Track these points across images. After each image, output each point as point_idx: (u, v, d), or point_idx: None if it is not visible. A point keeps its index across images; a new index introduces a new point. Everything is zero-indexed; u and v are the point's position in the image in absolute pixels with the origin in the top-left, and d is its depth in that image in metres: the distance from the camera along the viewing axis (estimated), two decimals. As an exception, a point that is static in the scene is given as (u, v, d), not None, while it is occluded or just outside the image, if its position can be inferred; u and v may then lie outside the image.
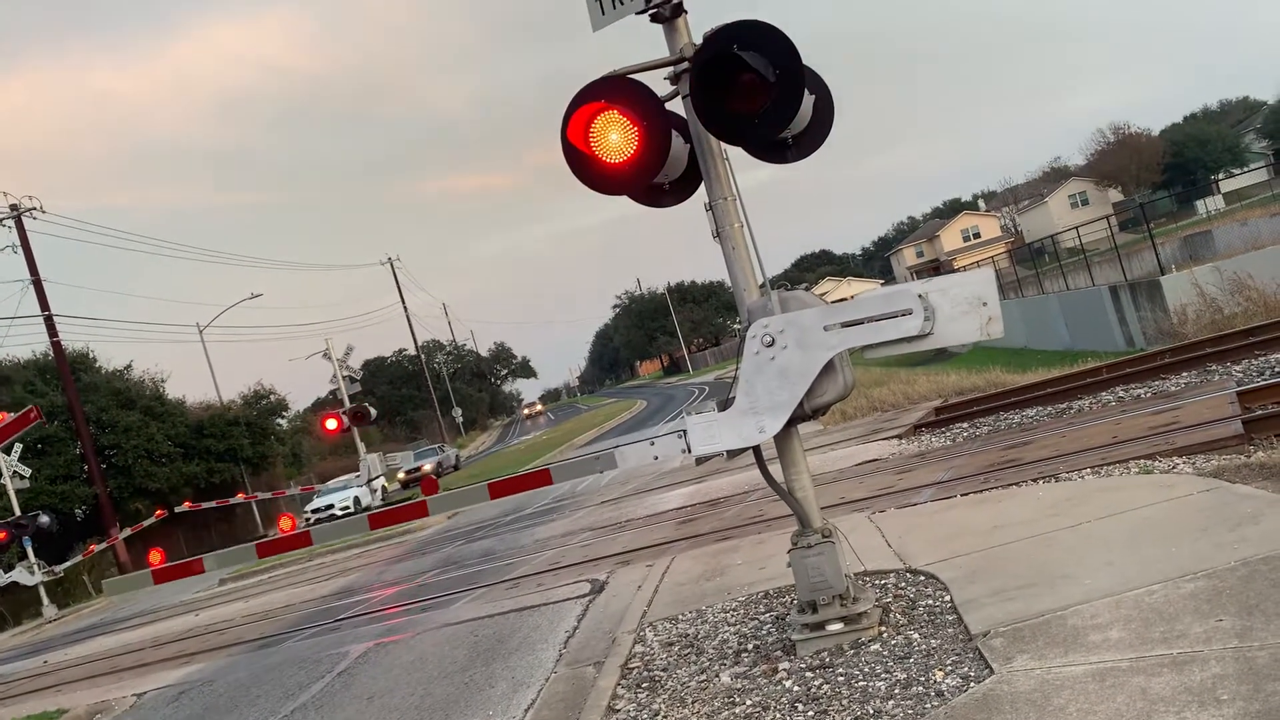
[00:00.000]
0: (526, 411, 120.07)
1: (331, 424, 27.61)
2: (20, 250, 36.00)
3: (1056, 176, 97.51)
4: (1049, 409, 14.47)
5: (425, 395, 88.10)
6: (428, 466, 48.16)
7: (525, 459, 40.71)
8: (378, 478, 31.18)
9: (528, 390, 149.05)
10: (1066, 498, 8.38)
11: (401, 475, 46.41)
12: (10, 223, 35.89)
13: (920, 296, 5.62)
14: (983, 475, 10.63)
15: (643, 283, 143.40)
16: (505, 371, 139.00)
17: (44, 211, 36.71)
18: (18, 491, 29.50)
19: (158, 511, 30.92)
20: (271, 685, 10.21)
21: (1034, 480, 9.53)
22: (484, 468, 46.02)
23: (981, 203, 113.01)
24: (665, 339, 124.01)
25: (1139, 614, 5.14)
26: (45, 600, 28.57)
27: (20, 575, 27.73)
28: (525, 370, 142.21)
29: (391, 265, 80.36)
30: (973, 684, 4.93)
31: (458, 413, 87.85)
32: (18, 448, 30.28)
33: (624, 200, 6.52)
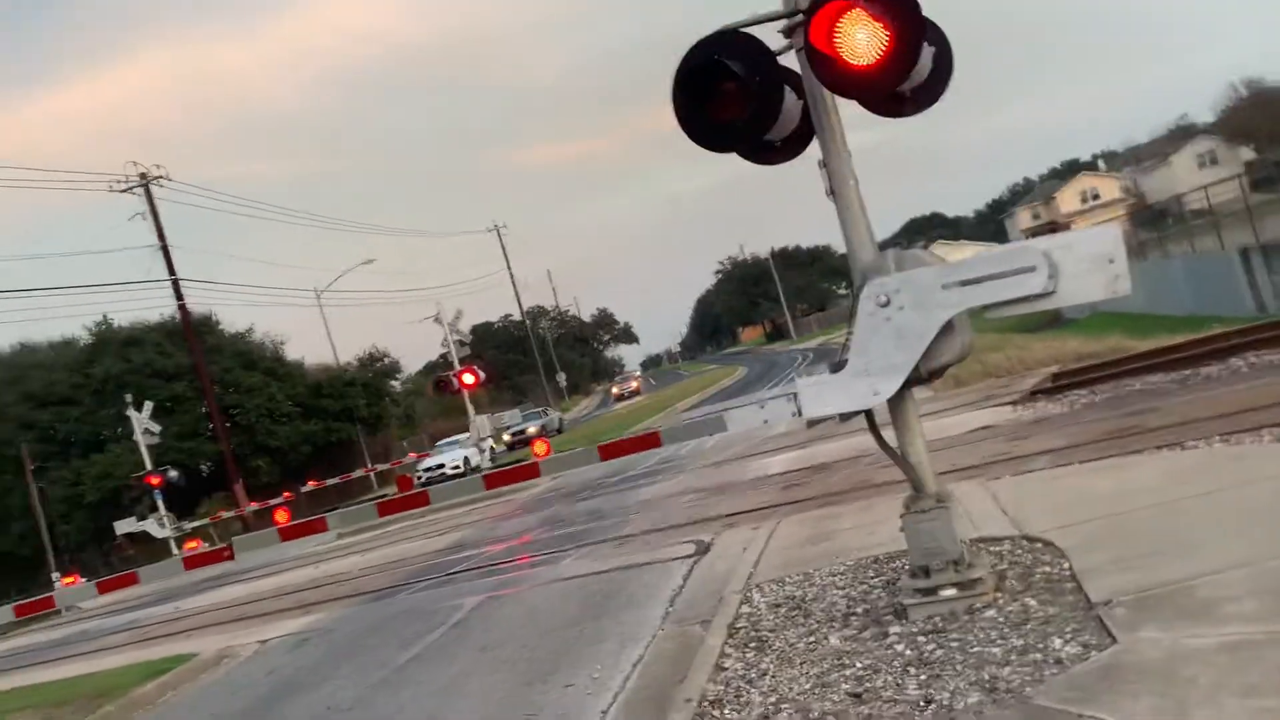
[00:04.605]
0: (616, 390, 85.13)
1: (469, 378, 28.30)
2: (149, 217, 37.63)
3: (1182, 135, 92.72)
4: (1173, 376, 13.88)
5: (530, 360, 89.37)
6: (533, 429, 48.90)
7: (627, 423, 40.99)
8: (486, 438, 31.79)
9: (629, 356, 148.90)
10: (1193, 466, 8.05)
11: (507, 437, 47.28)
12: (140, 191, 37.51)
13: (1044, 253, 5.44)
14: (1103, 442, 10.29)
15: (746, 248, 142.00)
16: (608, 337, 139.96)
17: (170, 180, 38.29)
18: (148, 447, 31.05)
19: (285, 494, 32.35)
20: (389, 635, 10.56)
21: (1158, 448, 9.18)
22: (588, 431, 46.53)
23: (1101, 163, 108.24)
24: (768, 305, 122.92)
25: (1276, 586, 4.91)
26: (175, 551, 30.04)
27: (151, 526, 29.19)
28: (627, 336, 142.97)
29: (498, 232, 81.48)
30: (1094, 652, 4.80)
31: (561, 377, 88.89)
32: (148, 405, 31.82)
33: (727, 163, 6.52)
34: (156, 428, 31.85)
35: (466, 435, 34.71)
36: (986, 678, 4.93)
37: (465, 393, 29.27)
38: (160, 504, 29.55)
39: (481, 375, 28.37)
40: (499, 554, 14.69)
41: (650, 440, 8.24)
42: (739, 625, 7.06)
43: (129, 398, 32.72)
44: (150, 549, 32.20)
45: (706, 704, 5.74)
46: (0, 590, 39.64)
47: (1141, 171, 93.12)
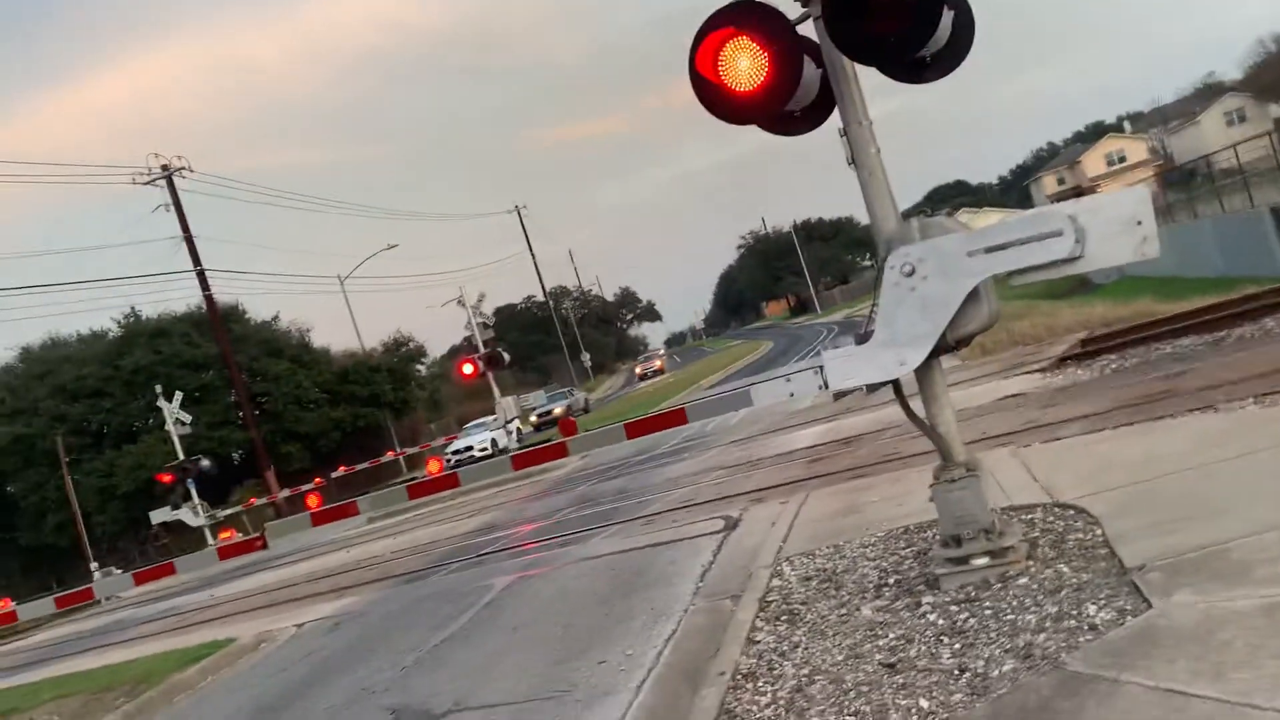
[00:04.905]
0: (640, 369, 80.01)
1: (468, 369, 28.30)
2: (173, 208, 37.87)
3: (1210, 93, 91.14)
4: (1205, 338, 13.72)
5: (554, 340, 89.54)
6: (559, 409, 49.09)
7: (653, 401, 41.01)
8: (513, 420, 31.93)
9: (653, 334, 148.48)
10: (1226, 429, 7.96)
11: (534, 418, 47.48)
12: (162, 183, 37.74)
13: (1070, 217, 5.37)
14: (1134, 407, 10.19)
15: (767, 222, 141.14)
16: (631, 316, 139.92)
17: (192, 171, 38.50)
18: (181, 437, 31.39)
19: (316, 480, 32.66)
20: (422, 616, 10.65)
21: (1190, 411, 9.07)
22: (614, 410, 46.61)
23: (1127, 124, 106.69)
24: (792, 279, 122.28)
25: (1313, 547, 4.85)
26: (210, 539, 30.40)
27: (185, 515, 29.55)
28: (650, 314, 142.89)
29: (519, 213, 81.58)
30: (1129, 618, 4.76)
31: (586, 357, 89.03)
32: (178, 396, 32.16)
33: (746, 139, 6.58)
34: (188, 418, 32.16)
35: (493, 417, 34.90)
36: (1021, 645, 4.91)
37: (490, 375, 29.32)
38: (194, 492, 29.88)
39: (481, 365, 28.24)
40: (528, 534, 14.76)
41: (676, 417, 8.23)
42: (770, 599, 7.06)
43: (159, 388, 33.05)
44: (185, 538, 32.62)
45: (739, 677, 5.76)
46: (39, 581, 40.39)
47: (1168, 132, 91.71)
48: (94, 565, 32.50)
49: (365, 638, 10.54)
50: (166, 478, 29.48)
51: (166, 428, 31.80)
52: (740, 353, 66.92)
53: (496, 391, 30.90)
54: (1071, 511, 6.77)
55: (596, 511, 14.85)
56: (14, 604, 12.67)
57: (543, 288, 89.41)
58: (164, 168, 37.72)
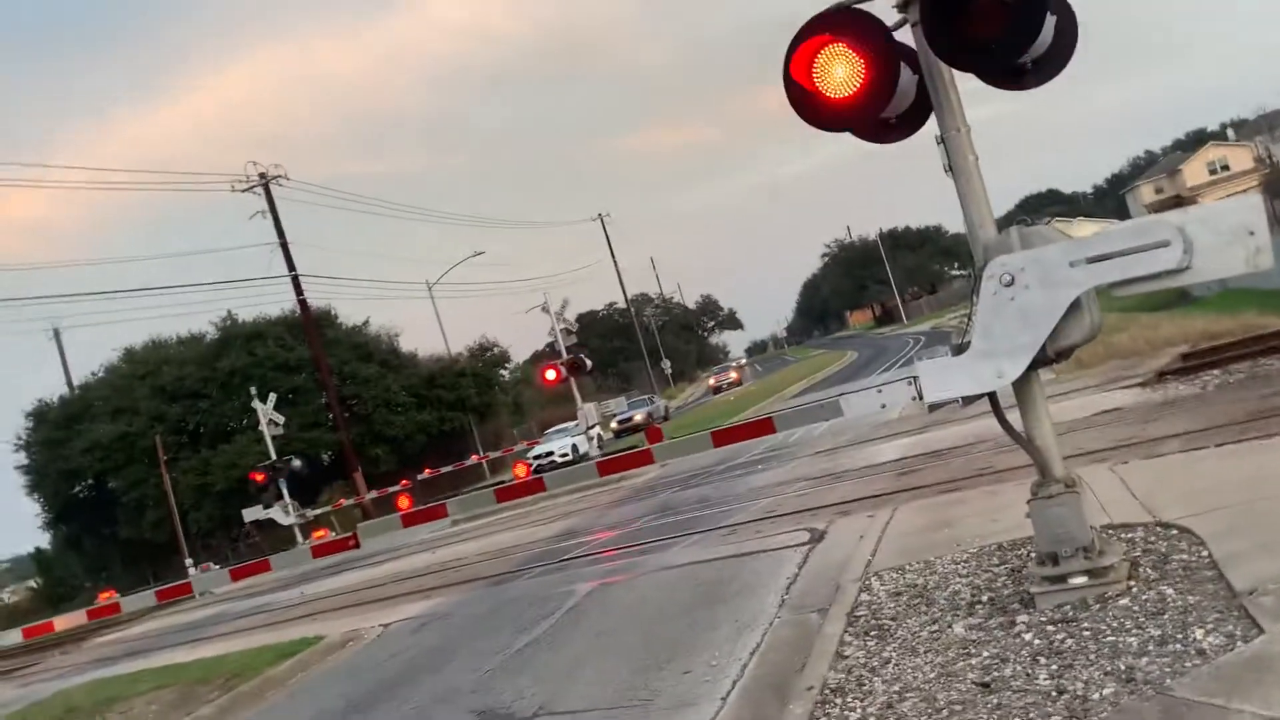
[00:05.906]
0: (713, 381, 77.84)
1: (550, 374, 28.56)
2: (269, 215, 38.98)
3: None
4: (1316, 354, 13.16)
5: (635, 347, 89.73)
6: (639, 416, 49.14)
7: (733, 410, 40.83)
8: (594, 426, 32.07)
9: (734, 342, 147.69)
10: (1342, 449, 7.61)
11: (615, 425, 47.64)
12: (260, 190, 38.88)
13: (1178, 227, 5.19)
14: (1239, 425, 9.81)
15: (853, 230, 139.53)
16: (712, 324, 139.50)
17: (288, 179, 39.58)
18: (273, 437, 32.25)
19: (403, 482, 33.23)
20: (506, 619, 10.75)
21: (1301, 430, 8.70)
22: (694, 418, 46.51)
23: (1231, 132, 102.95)
24: (877, 288, 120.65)
25: None
26: (300, 539, 31.15)
27: (277, 514, 30.32)
28: (732, 322, 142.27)
29: (602, 221, 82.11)
30: (1240, 643, 4.58)
31: (666, 364, 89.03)
32: (272, 397, 33.05)
33: (832, 147, 6.45)
34: (281, 419, 33.00)
35: (574, 423, 35.13)
36: (1123, 668, 4.75)
37: (572, 381, 29.55)
38: (285, 492, 30.64)
39: (563, 371, 28.49)
40: (609, 541, 14.79)
41: (763, 426, 8.20)
42: (858, 613, 6.95)
43: (254, 390, 34.01)
44: (275, 535, 33.50)
45: (828, 692, 5.68)
46: (138, 575, 41.90)
47: (1275, 139, 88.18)
48: (189, 562, 33.61)
49: (450, 639, 10.68)
50: (259, 476, 30.28)
51: (260, 428, 32.68)
52: (823, 362, 66.29)
53: (579, 397, 31.12)
54: (1175, 531, 6.54)
55: (678, 520, 14.81)
56: (117, 595, 13.15)
57: (624, 295, 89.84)
58: (261, 175, 38.86)
